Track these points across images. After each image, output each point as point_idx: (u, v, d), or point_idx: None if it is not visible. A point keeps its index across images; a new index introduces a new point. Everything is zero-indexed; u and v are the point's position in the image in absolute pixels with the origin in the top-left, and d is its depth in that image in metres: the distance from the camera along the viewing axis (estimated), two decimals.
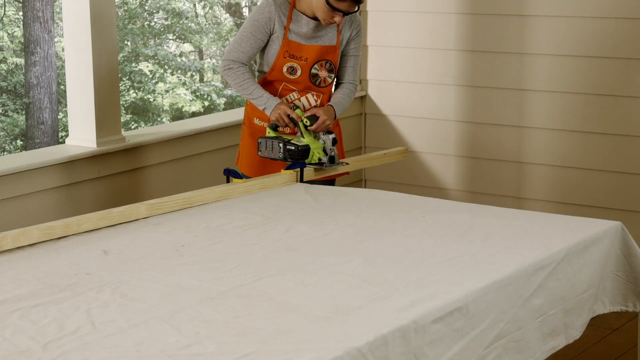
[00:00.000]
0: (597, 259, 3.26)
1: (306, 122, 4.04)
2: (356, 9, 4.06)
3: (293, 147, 4.00)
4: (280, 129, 4.13)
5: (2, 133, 12.75)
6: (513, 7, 5.30)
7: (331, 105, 4.17)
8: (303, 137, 4.06)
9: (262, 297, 2.70)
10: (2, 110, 12.83)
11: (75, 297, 2.69)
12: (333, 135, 4.07)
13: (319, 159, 4.04)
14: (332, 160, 4.05)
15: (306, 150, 4.02)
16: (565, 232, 3.29)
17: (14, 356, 2.30)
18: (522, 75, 5.34)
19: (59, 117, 12.60)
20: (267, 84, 4.19)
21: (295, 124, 4.05)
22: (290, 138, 4.06)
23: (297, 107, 4.10)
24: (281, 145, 4.03)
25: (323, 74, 4.21)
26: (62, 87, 12.56)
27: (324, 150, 4.05)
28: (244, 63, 4.14)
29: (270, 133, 4.11)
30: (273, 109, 4.07)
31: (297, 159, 4.01)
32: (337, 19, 4.04)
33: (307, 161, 4.04)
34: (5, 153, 12.65)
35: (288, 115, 4.04)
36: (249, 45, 4.13)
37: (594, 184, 5.24)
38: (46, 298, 2.68)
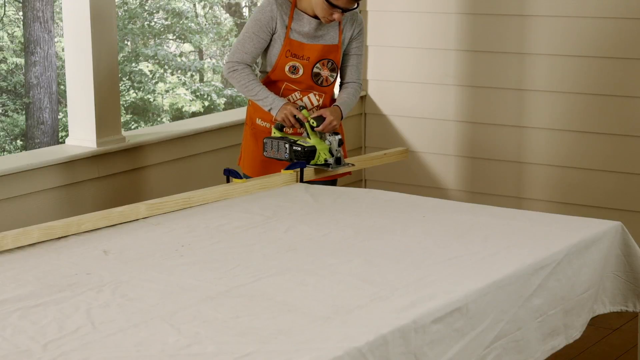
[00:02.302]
0: (597, 259, 3.26)
1: (313, 123, 4.03)
2: (355, 5, 4.05)
3: (299, 148, 3.99)
4: (285, 129, 4.12)
5: (2, 133, 12.75)
6: (513, 7, 5.30)
7: (337, 106, 4.17)
8: (309, 138, 4.05)
9: (262, 297, 2.70)
10: (2, 110, 12.83)
11: (75, 297, 2.69)
12: (339, 137, 4.06)
13: (325, 160, 4.04)
14: (338, 161, 4.05)
15: (312, 151, 4.01)
16: (565, 232, 3.29)
17: (14, 356, 2.30)
18: (522, 75, 5.34)
19: (59, 117, 12.60)
20: (269, 83, 4.19)
21: (302, 124, 4.04)
22: (296, 139, 4.05)
23: (304, 107, 4.09)
24: (287, 145, 4.02)
25: (325, 73, 4.20)
26: (62, 87, 12.56)
27: (330, 151, 4.04)
28: (248, 64, 4.14)
29: (275, 133, 4.10)
30: (279, 109, 4.06)
31: (303, 159, 4.00)
32: (336, 16, 4.04)
33: (312, 162, 4.03)
34: (5, 153, 12.65)
35: (294, 116, 4.03)
36: (252, 46, 4.12)
37: (594, 184, 5.24)
38: (46, 298, 2.68)
